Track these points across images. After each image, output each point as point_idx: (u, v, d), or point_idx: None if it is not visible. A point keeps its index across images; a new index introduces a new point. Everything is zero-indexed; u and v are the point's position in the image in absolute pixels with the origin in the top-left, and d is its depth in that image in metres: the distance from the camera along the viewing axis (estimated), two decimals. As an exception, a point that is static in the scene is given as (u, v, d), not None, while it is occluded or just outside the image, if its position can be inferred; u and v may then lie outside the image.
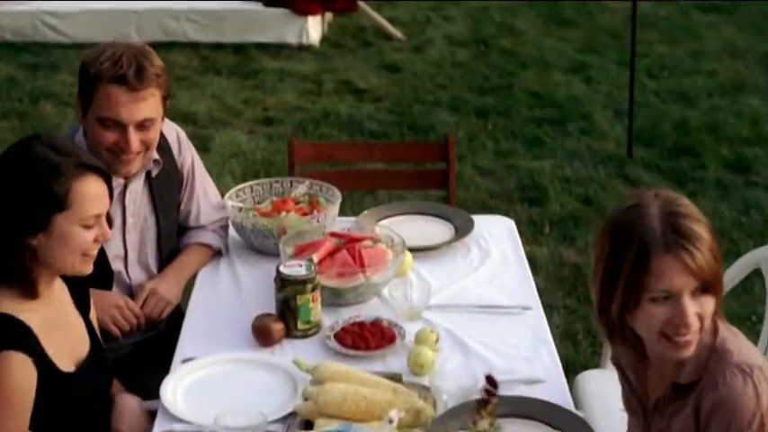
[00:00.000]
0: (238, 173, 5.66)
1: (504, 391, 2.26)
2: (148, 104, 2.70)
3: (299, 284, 2.62)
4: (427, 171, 4.03)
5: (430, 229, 3.19)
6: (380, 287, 2.81)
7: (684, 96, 6.90)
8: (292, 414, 2.32)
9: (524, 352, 2.59)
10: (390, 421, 2.13)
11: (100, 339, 2.51)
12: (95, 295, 2.56)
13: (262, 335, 2.62)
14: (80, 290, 2.46)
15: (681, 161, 5.91)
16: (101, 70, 2.66)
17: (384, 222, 3.18)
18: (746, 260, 2.99)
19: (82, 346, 2.41)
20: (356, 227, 3.10)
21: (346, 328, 2.64)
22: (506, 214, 4.06)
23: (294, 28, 7.87)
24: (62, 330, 2.35)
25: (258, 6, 7.93)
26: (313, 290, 2.63)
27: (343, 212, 3.20)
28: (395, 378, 2.41)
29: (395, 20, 8.50)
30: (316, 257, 2.77)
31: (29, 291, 2.27)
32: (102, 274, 2.50)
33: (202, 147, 5.89)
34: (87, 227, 2.28)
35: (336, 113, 6.62)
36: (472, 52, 7.90)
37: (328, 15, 8.31)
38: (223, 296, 2.88)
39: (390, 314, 2.71)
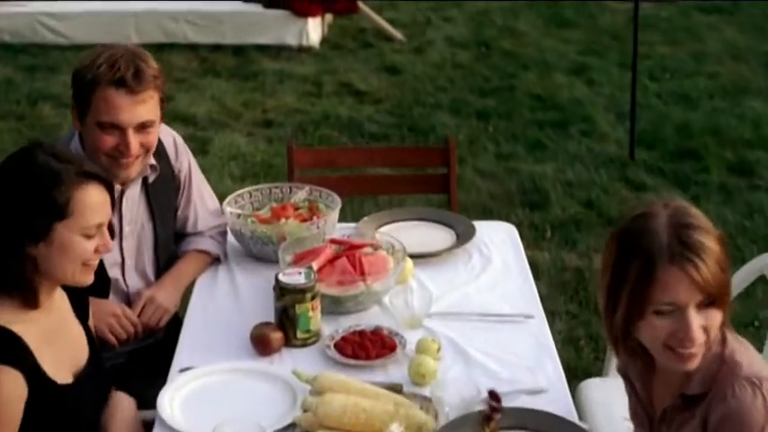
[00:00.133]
0: (237, 175, 5.64)
1: (506, 401, 2.24)
2: (147, 107, 2.68)
3: (299, 293, 2.59)
4: (428, 176, 3.99)
5: (431, 236, 3.16)
6: (381, 295, 2.77)
7: (686, 98, 6.88)
8: (291, 425, 2.29)
9: (527, 361, 2.56)
10: (392, 434, 2.11)
11: (98, 347, 2.49)
12: (92, 303, 2.53)
13: (260, 344, 2.59)
14: (79, 297, 2.44)
15: (683, 164, 5.88)
16: (98, 74, 2.63)
17: (384, 229, 3.15)
18: (752, 267, 2.98)
19: (81, 355, 2.39)
20: (356, 233, 3.07)
21: (346, 337, 2.61)
22: (507, 218, 4.04)
23: (294, 29, 7.85)
24: (62, 340, 2.33)
25: (258, 8, 7.92)
26: (312, 298, 2.60)
27: (343, 218, 3.17)
28: (395, 389, 2.38)
29: (395, 21, 8.48)
30: (315, 265, 2.74)
31: (29, 300, 2.24)
32: (99, 282, 2.47)
33: (201, 149, 5.87)
34: (88, 236, 2.25)
35: (336, 115, 6.60)
36: (473, 54, 7.87)
37: (328, 17, 8.30)
38: (221, 304, 2.85)
39: (391, 322, 2.68)
